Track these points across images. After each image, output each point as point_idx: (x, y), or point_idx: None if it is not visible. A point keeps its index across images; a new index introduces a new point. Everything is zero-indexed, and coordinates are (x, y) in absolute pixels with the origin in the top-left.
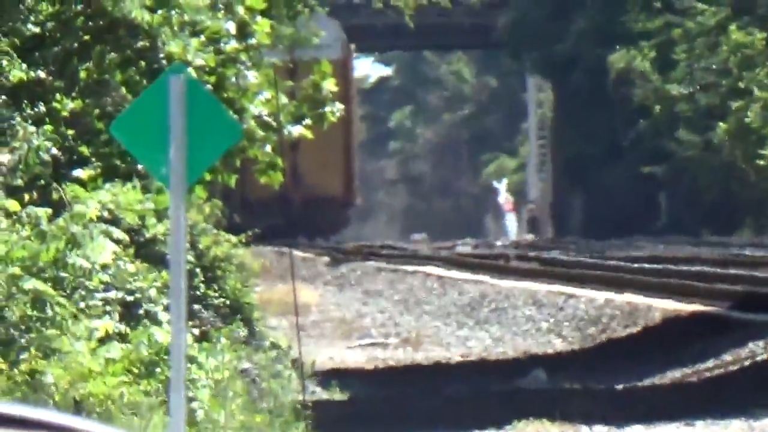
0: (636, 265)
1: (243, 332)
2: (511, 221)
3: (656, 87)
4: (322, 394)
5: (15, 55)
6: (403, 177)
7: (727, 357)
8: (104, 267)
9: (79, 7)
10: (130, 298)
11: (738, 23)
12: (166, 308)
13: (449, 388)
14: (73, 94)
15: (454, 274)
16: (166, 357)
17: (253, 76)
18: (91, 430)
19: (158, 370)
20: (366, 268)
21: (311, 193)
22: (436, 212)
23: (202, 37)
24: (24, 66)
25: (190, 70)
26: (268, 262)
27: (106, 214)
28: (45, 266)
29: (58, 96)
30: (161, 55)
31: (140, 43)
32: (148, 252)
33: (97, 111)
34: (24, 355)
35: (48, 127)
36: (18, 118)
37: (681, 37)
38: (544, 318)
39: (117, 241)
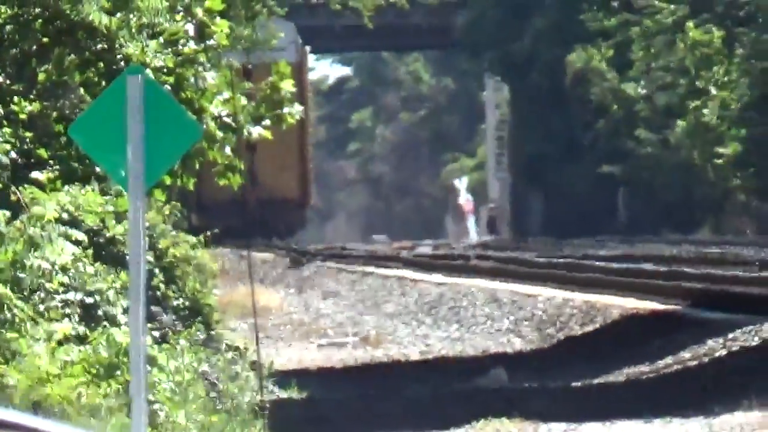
0: (594, 264)
1: (203, 334)
2: (471, 222)
3: (613, 86)
4: (280, 394)
5: None
6: (363, 177)
7: (686, 355)
8: (64, 268)
9: (37, 10)
10: (89, 300)
11: (696, 21)
12: (126, 310)
13: (409, 388)
14: (32, 97)
15: (414, 274)
16: (125, 359)
17: (212, 77)
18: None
19: (117, 372)
20: (326, 270)
21: (267, 194)
22: (396, 213)
23: (161, 39)
24: None
25: (148, 71)
26: (228, 263)
27: (65, 216)
28: (3, 268)
29: (16, 98)
30: (120, 57)
31: (99, 46)
32: (108, 253)
33: (55, 113)
34: None
35: (6, 130)
36: None
37: (638, 35)
38: (504, 317)
39: (77, 243)
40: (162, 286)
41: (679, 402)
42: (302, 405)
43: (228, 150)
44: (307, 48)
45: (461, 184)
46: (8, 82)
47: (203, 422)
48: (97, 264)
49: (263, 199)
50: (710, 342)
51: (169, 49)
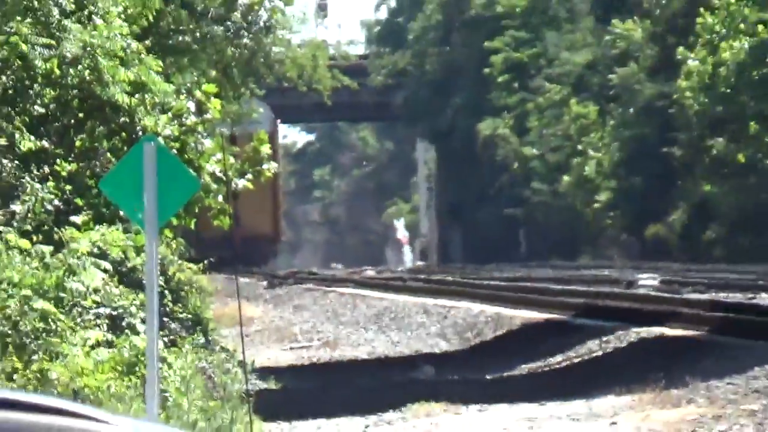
0: (502, 284)
1: (202, 339)
2: (406, 252)
3: (515, 148)
4: (261, 385)
5: (25, 129)
6: (323, 219)
7: (571, 353)
8: (95, 290)
9: (74, 92)
10: (115, 314)
11: (577, 98)
12: (143, 321)
13: (359, 380)
14: (71, 159)
15: (363, 292)
16: (143, 359)
17: (208, 143)
18: (88, 413)
19: (137, 369)
20: (296, 289)
21: (248, 232)
22: (349, 245)
23: (169, 114)
24: (32, 138)
25: (160, 139)
26: (220, 285)
27: (96, 250)
28: (49, 290)
29: (58, 160)
30: (138, 128)
31: (122, 119)
32: (129, 278)
33: (89, 171)
34: (34, 358)
35: (50, 184)
36: (27, 178)
37: (534, 109)
38: (432, 325)
39: (105, 271)
40: (171, 303)
41: (566, 389)
42: (278, 393)
43: (220, 198)
44: (278, 120)
45: (399, 223)
46: (52, 147)
47: (202, 407)
48: (121, 286)
49: (245, 236)
50: (590, 344)
51: (176, 122)
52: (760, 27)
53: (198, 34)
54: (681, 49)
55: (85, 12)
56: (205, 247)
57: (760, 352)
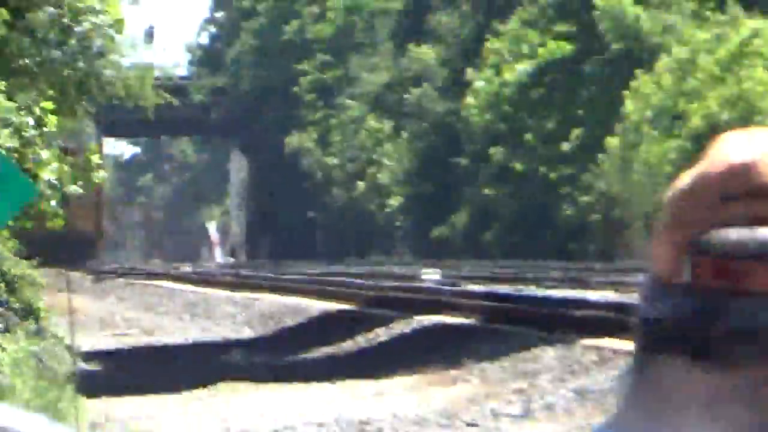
0: (302, 278)
1: (34, 327)
2: (218, 251)
3: (318, 159)
4: (87, 367)
5: None
6: (145, 221)
7: (361, 339)
8: None
9: None
10: None
11: (374, 114)
12: None
13: (175, 362)
14: None
15: (179, 285)
16: None
17: (45, 154)
18: None
19: None
20: (119, 283)
21: (75, 232)
22: (168, 245)
23: (11, 128)
24: None
25: (1, 150)
26: (52, 279)
27: None
28: None
29: None
30: None
31: None
32: None
33: None
34: None
35: None
36: None
37: (336, 124)
38: (239, 314)
39: None
40: (5, 294)
41: (357, 370)
42: (101, 374)
43: (54, 203)
44: (102, 136)
45: (212, 225)
46: None
47: (33, 386)
48: None
49: (71, 236)
50: (377, 331)
51: (16, 136)
52: (541, 50)
53: (38, 59)
54: (470, 70)
55: None
56: (35, 245)
57: (528, 338)
